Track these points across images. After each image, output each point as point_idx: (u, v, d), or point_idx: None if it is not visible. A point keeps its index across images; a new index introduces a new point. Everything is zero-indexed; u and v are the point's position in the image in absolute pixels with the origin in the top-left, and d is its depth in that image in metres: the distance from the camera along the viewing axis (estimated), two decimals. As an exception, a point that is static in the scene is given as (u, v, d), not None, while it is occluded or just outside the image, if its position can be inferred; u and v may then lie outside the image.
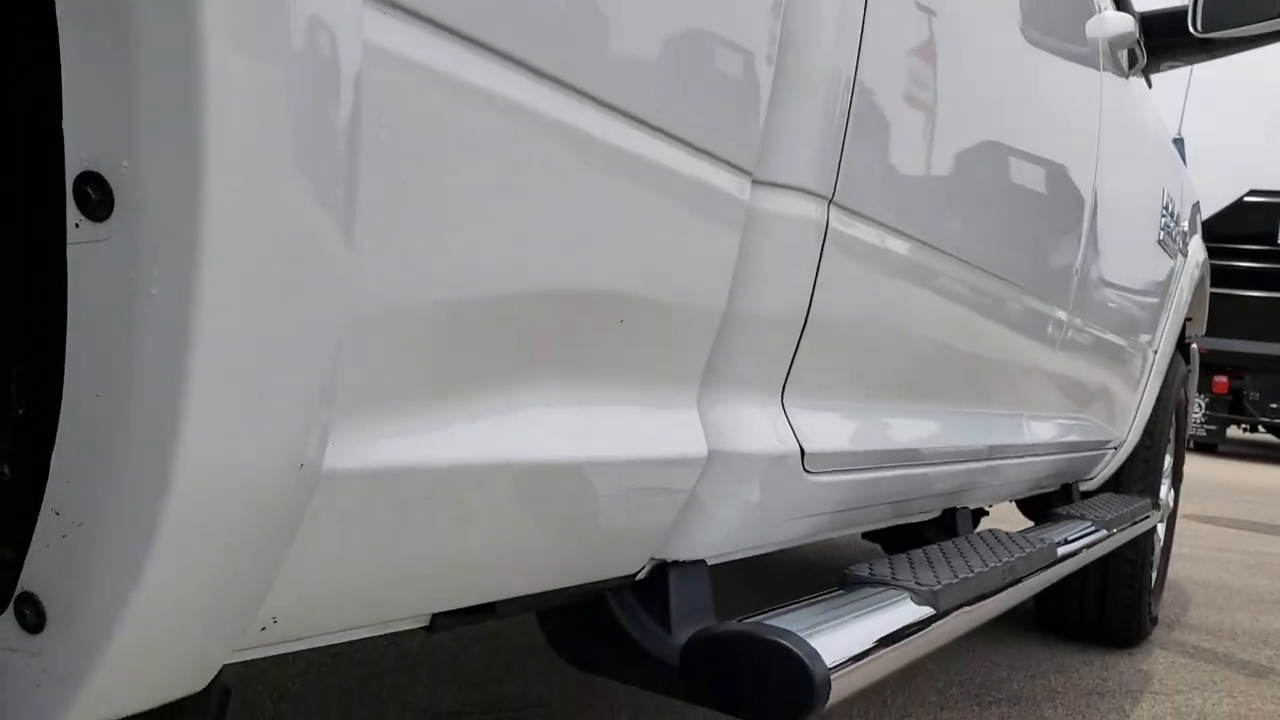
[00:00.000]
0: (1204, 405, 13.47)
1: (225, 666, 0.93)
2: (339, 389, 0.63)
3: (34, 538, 0.56)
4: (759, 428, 1.13)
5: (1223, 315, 11.85)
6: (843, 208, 1.14)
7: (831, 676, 1.00)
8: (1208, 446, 14.33)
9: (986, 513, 3.44)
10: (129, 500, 0.53)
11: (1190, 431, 3.93)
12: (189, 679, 0.64)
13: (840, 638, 1.07)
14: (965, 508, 2.03)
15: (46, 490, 0.55)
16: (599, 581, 1.03)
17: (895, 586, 1.29)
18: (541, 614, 1.17)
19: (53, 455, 0.54)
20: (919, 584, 1.29)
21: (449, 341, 0.70)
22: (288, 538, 0.62)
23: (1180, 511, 4.57)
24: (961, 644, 3.29)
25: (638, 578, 1.14)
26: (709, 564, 1.24)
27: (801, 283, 1.11)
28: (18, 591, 0.57)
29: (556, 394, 0.82)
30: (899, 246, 1.30)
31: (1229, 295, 12.24)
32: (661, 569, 1.16)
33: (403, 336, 0.66)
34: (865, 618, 1.17)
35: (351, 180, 0.56)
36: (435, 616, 0.93)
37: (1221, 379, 13.44)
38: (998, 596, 1.51)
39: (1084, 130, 2.09)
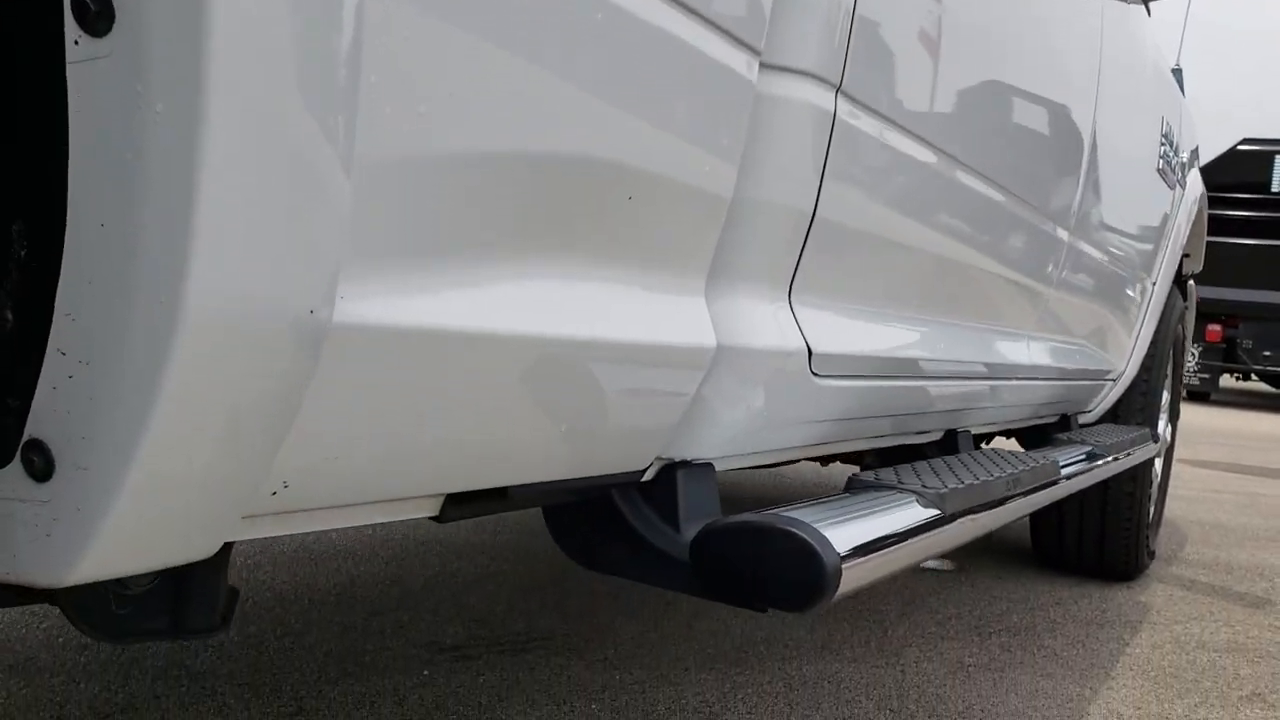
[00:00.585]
0: (1197, 354, 13.51)
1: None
2: (349, 248, 0.62)
3: (40, 380, 0.55)
4: (766, 324, 1.12)
5: (1216, 264, 11.85)
6: (850, 98, 1.12)
7: (843, 566, 1.00)
8: (1201, 395, 14.39)
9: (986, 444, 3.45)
10: (138, 335, 0.52)
11: (1184, 380, 3.94)
12: (200, 540, 0.63)
13: (849, 531, 1.06)
14: (967, 431, 2.03)
15: (51, 329, 0.54)
16: (608, 476, 1.02)
17: (901, 490, 1.28)
18: (550, 514, 1.17)
19: (57, 290, 0.53)
20: (925, 487, 1.29)
21: (457, 201, 0.68)
22: (299, 388, 0.61)
23: (1175, 456, 4.59)
24: (960, 579, 3.31)
25: (645, 478, 1.14)
26: (717, 469, 1.23)
27: (809, 174, 1.09)
28: (25, 439, 0.56)
29: (567, 268, 0.81)
30: (906, 146, 1.29)
31: (1222, 243, 12.24)
32: (669, 471, 1.15)
33: (410, 190, 0.64)
34: (873, 516, 1.16)
35: (361, 12, 0.55)
36: (445, 504, 0.92)
37: (1215, 328, 13.48)
38: (1003, 506, 1.51)
39: (1086, 49, 2.07)
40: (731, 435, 1.16)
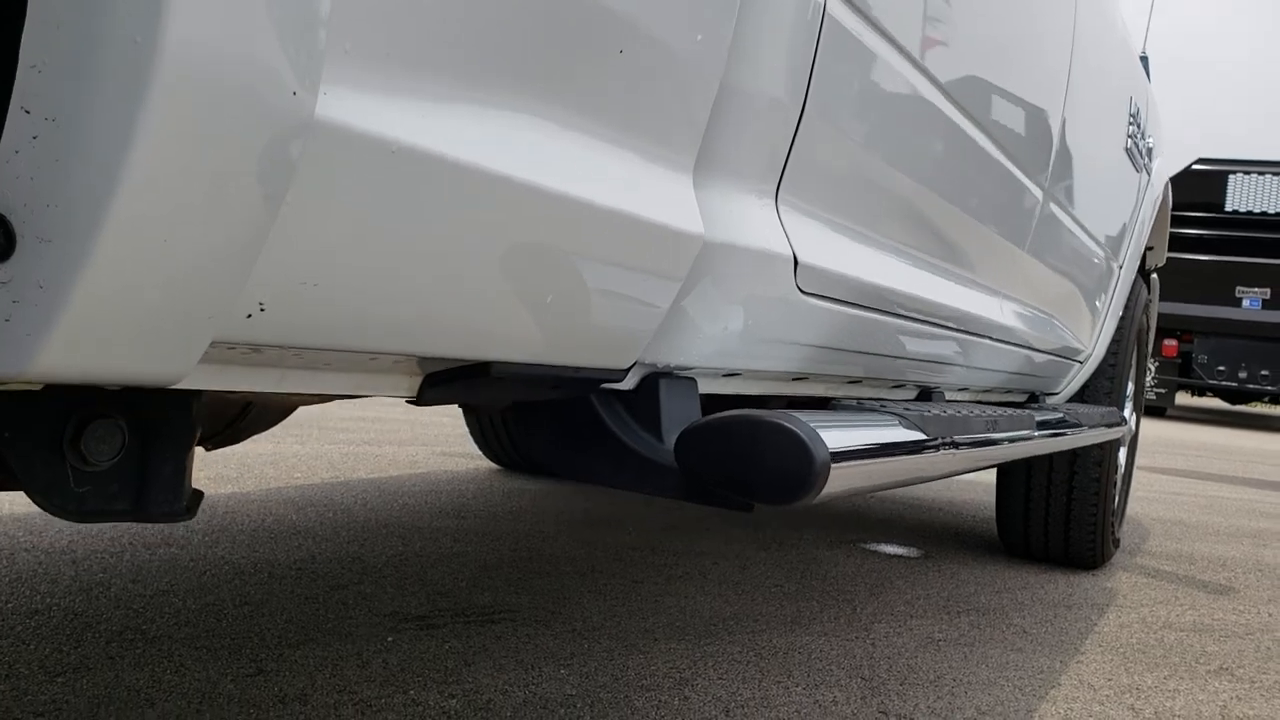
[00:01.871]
0: (1153, 369, 13.68)
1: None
2: (331, 29, 0.58)
3: (1, 143, 0.51)
4: (753, 223, 1.09)
5: (1172, 280, 12.07)
6: (839, -6, 1.10)
7: (831, 464, 0.97)
8: (1157, 410, 14.57)
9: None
10: (111, 87, 0.49)
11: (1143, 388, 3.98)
12: (170, 351, 0.59)
13: (838, 435, 1.04)
14: (941, 391, 2.01)
15: (15, 84, 0.50)
16: (590, 370, 0.99)
17: (884, 411, 1.26)
18: (528, 419, 1.13)
19: (21, 39, 0.49)
20: (909, 410, 1.27)
21: (449, 13, 0.65)
22: (280, 182, 0.57)
23: (1135, 464, 4.62)
24: (927, 564, 3.29)
25: (627, 386, 1.11)
26: (699, 389, 1.20)
27: (799, 65, 1.07)
28: (-16, 212, 0.52)
29: (558, 114, 0.78)
30: (893, 59, 1.27)
31: (1179, 259, 12.45)
32: (651, 381, 1.12)
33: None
34: (860, 428, 1.14)
35: None
36: (423, 385, 0.89)
37: (1171, 343, 13.67)
38: (983, 449, 1.50)
39: (1062, 8, 2.07)
40: (716, 345, 1.13)
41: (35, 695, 1.68)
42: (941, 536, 3.84)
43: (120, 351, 0.57)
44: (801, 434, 0.95)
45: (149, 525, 2.81)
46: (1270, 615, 3.12)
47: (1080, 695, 2.19)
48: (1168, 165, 3.75)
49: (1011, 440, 1.67)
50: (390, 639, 2.14)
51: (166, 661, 1.88)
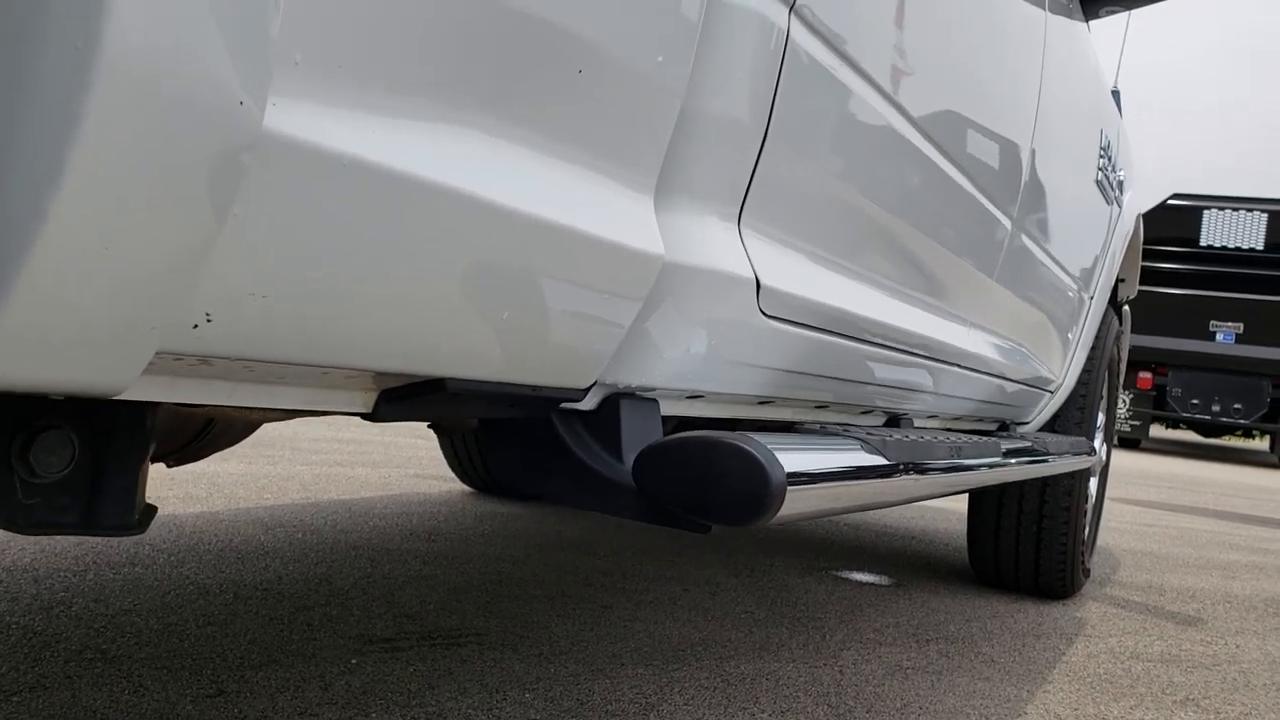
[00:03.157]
0: (1128, 401, 13.77)
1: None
2: (281, 41, 0.58)
3: (-60, 146, 0.51)
4: (715, 246, 1.10)
5: (1147, 313, 12.19)
6: (804, 21, 1.11)
7: (788, 486, 0.97)
8: (1131, 442, 14.66)
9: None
10: (50, 90, 0.48)
11: (1115, 425, 4.00)
12: (114, 359, 0.59)
13: (796, 458, 1.04)
14: (910, 419, 2.02)
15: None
16: (549, 389, 0.99)
17: (845, 436, 1.26)
18: (490, 439, 1.13)
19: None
20: (870, 434, 1.27)
21: (397, 24, 0.66)
22: (226, 191, 0.57)
23: (1107, 495, 4.64)
24: (897, 593, 3.29)
25: (587, 406, 1.11)
26: (661, 411, 1.20)
27: (761, 90, 1.08)
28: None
29: (510, 131, 0.78)
30: (859, 86, 1.28)
31: (1153, 293, 12.58)
32: (612, 401, 1.12)
33: (348, 4, 0.61)
34: (818, 451, 1.14)
35: None
36: (379, 400, 0.88)
37: (1145, 375, 13.77)
38: (945, 475, 1.50)
39: (1031, 38, 2.09)
40: (677, 367, 1.14)
41: (-11, 714, 1.66)
42: (914, 564, 3.84)
43: (60, 360, 0.56)
44: (758, 455, 0.95)
45: (113, 542, 2.78)
46: (1238, 646, 3.13)
47: (1046, 724, 2.19)
48: (1141, 201, 3.79)
49: (975, 467, 1.68)
50: (354, 661, 2.12)
51: (125, 681, 1.86)
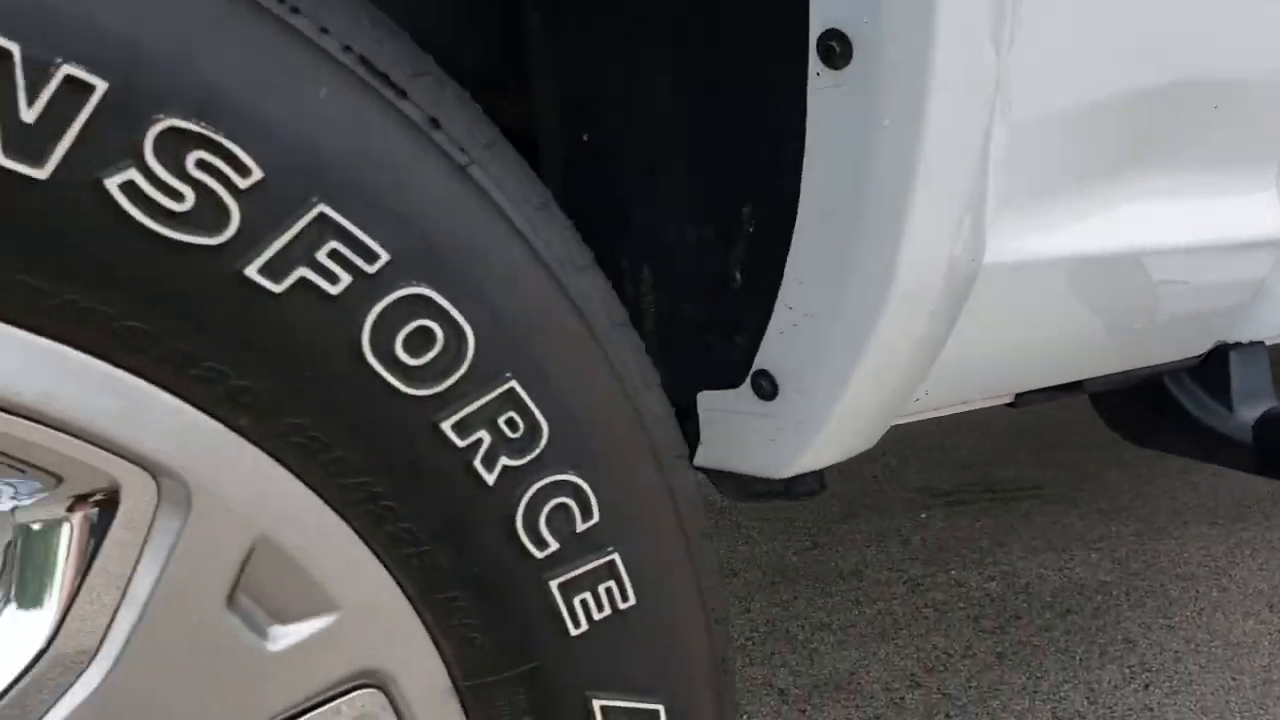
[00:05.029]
0: None
1: None
2: (994, 194, 0.73)
3: (769, 327, 0.72)
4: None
5: None
6: None
7: None
8: None
9: None
10: (856, 295, 0.67)
11: None
12: (868, 438, 0.79)
13: None
14: None
15: (781, 290, 0.70)
16: (1167, 363, 1.08)
17: None
18: (1098, 399, 1.24)
19: (787, 263, 0.69)
20: None
21: (1085, 141, 0.77)
22: (955, 320, 0.74)
23: None
24: None
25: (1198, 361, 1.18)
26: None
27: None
28: (754, 368, 0.74)
29: (1159, 183, 0.87)
30: None
31: None
32: (1220, 352, 1.18)
33: (1047, 141, 0.74)
34: None
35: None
36: (1019, 394, 1.04)
37: None
38: None
39: None
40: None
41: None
42: None
43: (842, 448, 0.77)
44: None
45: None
46: None
47: None
48: None
49: None
50: (924, 515, 2.35)
51: (737, 533, 2.23)
